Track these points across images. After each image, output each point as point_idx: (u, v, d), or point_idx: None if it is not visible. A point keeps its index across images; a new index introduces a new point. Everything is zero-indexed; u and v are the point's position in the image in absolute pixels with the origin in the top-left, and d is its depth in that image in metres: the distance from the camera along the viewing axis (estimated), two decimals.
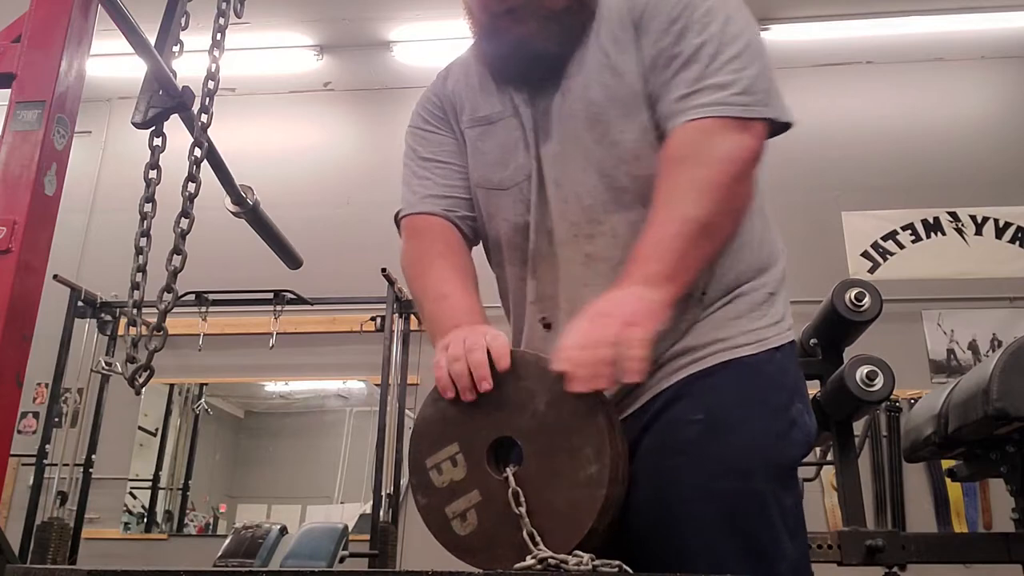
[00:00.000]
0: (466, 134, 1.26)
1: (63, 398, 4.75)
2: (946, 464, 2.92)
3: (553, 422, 0.93)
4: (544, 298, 1.17)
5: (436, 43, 5.19)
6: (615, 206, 1.12)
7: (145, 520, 5.27)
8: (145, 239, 1.70)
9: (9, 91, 1.58)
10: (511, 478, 0.92)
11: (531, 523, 0.90)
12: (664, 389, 1.10)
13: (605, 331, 0.94)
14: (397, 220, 1.30)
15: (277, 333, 4.54)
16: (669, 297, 0.99)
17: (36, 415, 4.93)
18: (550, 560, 0.86)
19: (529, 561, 0.87)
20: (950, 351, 4.84)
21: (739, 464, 1.05)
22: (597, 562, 0.85)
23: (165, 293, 1.65)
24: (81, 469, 4.54)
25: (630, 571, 0.84)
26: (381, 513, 4.07)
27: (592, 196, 1.13)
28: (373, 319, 4.63)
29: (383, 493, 4.13)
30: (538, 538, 0.89)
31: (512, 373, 0.97)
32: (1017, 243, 5.02)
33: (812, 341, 2.28)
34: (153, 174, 1.74)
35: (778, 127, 1.11)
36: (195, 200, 1.77)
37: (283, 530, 3.36)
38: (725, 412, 1.08)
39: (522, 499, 0.91)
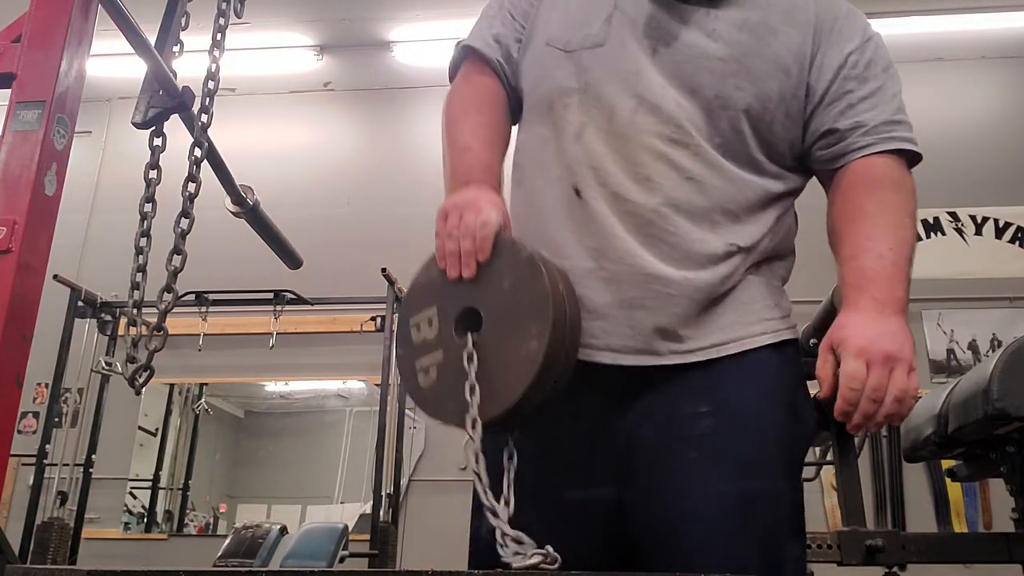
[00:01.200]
0: None
1: (63, 398, 4.75)
2: (946, 464, 2.91)
3: (511, 300, 1.03)
4: (583, 166, 1.15)
5: (436, 43, 5.19)
6: (706, 139, 1.13)
7: (145, 520, 5.27)
8: (145, 239, 1.70)
9: (9, 91, 1.58)
10: (468, 343, 1.01)
11: (482, 381, 1.00)
12: (679, 365, 1.09)
13: (895, 381, 0.99)
14: (460, 50, 1.31)
15: (277, 333, 4.54)
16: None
17: (36, 415, 4.93)
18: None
19: (514, 556, 0.86)
20: (950, 351, 4.84)
21: (753, 460, 1.05)
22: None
23: (165, 293, 1.65)
24: (81, 469, 4.54)
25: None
26: (381, 513, 4.07)
27: (688, 115, 1.13)
28: (373, 319, 4.63)
29: (383, 493, 4.13)
30: (477, 391, 0.98)
31: (493, 253, 1.06)
32: (1017, 243, 5.02)
33: (812, 341, 2.27)
34: (153, 174, 1.74)
35: None
36: (195, 200, 1.77)
37: (283, 530, 3.37)
38: (735, 405, 1.08)
39: (474, 359, 1.00)
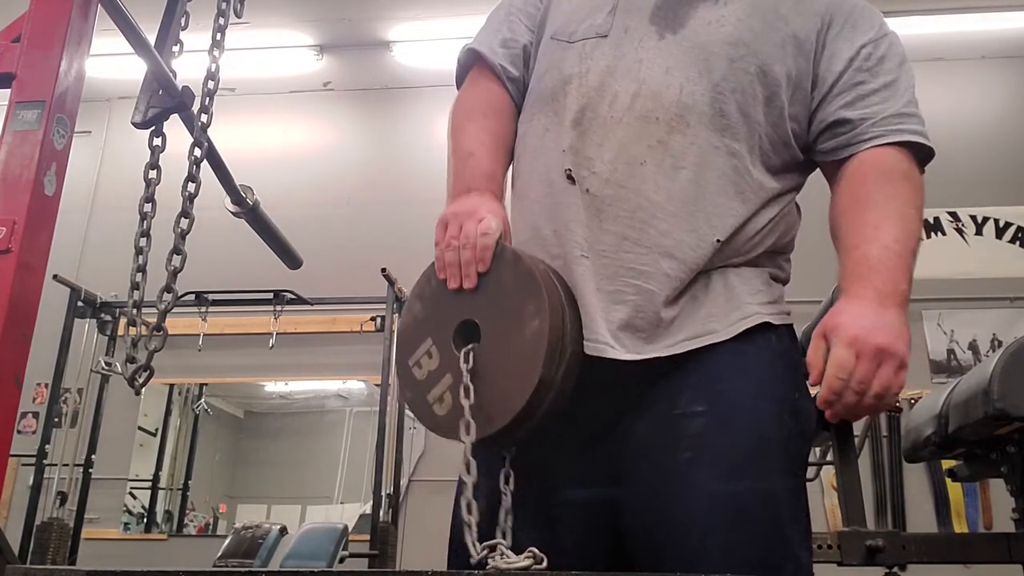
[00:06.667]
0: None
1: (63, 398, 4.75)
2: (946, 464, 2.91)
3: (502, 294, 1.02)
4: (579, 153, 1.14)
5: (436, 43, 5.19)
6: (709, 122, 1.11)
7: (145, 520, 5.27)
8: (145, 239, 1.70)
9: (9, 91, 1.58)
10: (462, 354, 0.99)
11: (492, 386, 0.98)
12: (667, 356, 1.07)
13: (881, 376, 0.98)
14: (465, 53, 1.32)
15: (277, 333, 4.54)
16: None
17: (36, 415, 4.92)
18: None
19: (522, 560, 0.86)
20: (950, 351, 4.84)
21: (749, 461, 1.03)
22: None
23: (165, 293, 1.65)
24: (81, 469, 4.55)
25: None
26: (381, 513, 4.07)
27: (693, 98, 1.12)
28: (373, 319, 4.63)
29: (383, 493, 4.13)
30: (471, 395, 0.96)
31: (492, 262, 1.05)
32: (1017, 243, 5.02)
33: None
34: (153, 174, 1.73)
35: None
36: (195, 200, 1.76)
37: (283, 530, 3.37)
38: (731, 404, 1.05)
39: (471, 361, 0.98)
